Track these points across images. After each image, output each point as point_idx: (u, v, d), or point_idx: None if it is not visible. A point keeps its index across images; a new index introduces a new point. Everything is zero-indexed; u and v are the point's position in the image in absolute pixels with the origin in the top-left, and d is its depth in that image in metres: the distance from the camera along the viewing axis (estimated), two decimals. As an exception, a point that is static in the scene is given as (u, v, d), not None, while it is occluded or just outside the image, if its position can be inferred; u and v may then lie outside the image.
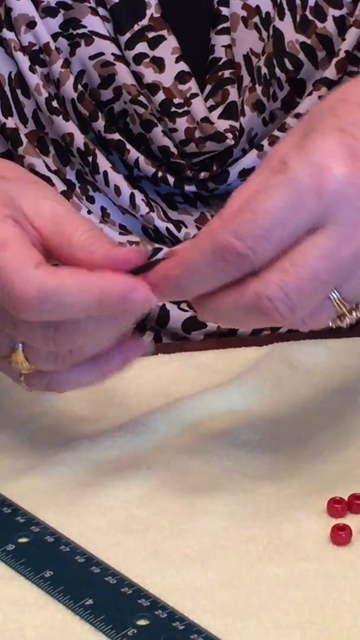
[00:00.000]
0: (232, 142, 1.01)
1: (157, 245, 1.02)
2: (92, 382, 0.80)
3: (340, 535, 0.78)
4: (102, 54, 1.01)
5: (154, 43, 1.01)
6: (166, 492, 0.83)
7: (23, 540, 0.79)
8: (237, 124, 1.02)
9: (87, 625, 0.72)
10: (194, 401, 0.90)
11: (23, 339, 0.78)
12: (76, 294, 0.73)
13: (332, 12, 1.02)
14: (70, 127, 1.01)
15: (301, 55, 1.02)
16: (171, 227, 1.02)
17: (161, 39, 1.01)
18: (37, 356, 0.79)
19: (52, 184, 1.00)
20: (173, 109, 1.01)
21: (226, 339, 1.03)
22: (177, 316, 1.02)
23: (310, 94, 1.03)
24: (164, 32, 1.02)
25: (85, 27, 1.00)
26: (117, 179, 1.02)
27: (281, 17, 1.02)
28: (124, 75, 1.01)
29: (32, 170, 0.99)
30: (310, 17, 1.02)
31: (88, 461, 0.86)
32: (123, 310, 0.75)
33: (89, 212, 1.01)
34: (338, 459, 0.86)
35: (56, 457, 0.86)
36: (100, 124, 1.01)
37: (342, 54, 1.02)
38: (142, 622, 0.72)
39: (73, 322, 0.75)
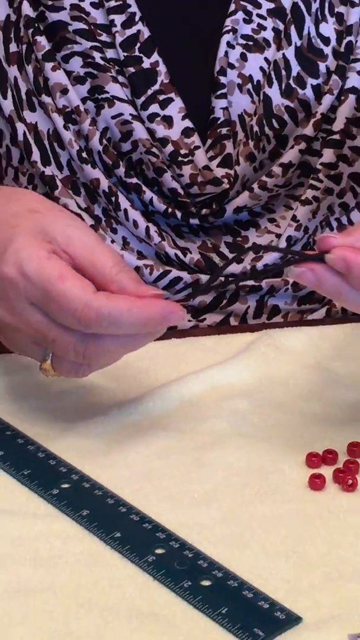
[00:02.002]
0: (228, 186, 1.00)
1: (167, 268, 1.01)
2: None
3: (317, 482, 0.79)
4: (122, 114, 0.99)
5: (164, 104, 1.00)
6: (178, 449, 0.83)
7: (65, 485, 0.79)
8: (232, 172, 1.01)
9: (116, 553, 0.73)
10: (200, 376, 0.91)
11: (58, 353, 0.79)
12: (127, 315, 0.75)
13: (311, 81, 1.01)
14: (97, 173, 1.00)
15: (285, 116, 1.01)
16: (179, 253, 1.01)
17: (170, 100, 1.00)
18: (62, 367, 0.80)
19: (83, 219, 0.99)
20: (180, 158, 1.00)
21: (225, 327, 1.03)
22: (183, 324, 1.01)
23: (292, 147, 1.01)
24: (172, 95, 1.00)
25: (108, 92, 0.99)
26: (135, 214, 1.01)
27: (270, 84, 1.00)
28: (139, 131, 1.00)
29: (66, 208, 0.98)
30: (293, 85, 1.01)
31: (116, 424, 0.86)
32: (162, 327, 0.77)
33: (112, 241, 1.01)
34: (314, 421, 0.86)
35: (91, 421, 0.86)
36: (121, 170, 1.00)
37: (318, 115, 1.01)
38: (159, 551, 0.73)
39: (100, 340, 0.77)
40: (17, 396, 0.89)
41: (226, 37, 1.00)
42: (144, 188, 1.01)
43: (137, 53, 1.00)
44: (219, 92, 1.00)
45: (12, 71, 1.00)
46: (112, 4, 0.99)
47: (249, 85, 1.01)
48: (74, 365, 0.80)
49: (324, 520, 0.76)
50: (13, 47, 1.00)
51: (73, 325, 0.76)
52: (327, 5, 1.01)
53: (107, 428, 0.85)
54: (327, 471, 0.80)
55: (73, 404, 0.89)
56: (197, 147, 1.00)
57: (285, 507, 0.77)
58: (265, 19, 1.01)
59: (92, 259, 0.78)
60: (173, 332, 1.00)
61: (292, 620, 0.67)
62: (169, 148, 1.00)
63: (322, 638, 0.66)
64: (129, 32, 0.99)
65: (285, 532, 0.75)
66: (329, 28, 1.02)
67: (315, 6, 1.01)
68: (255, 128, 1.01)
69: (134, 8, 0.99)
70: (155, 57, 1.00)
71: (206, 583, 0.70)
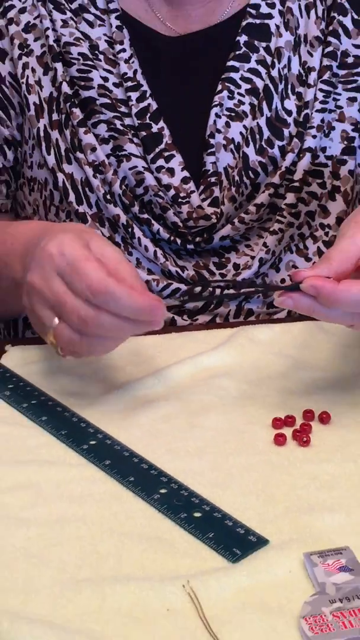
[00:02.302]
0: (215, 221, 1.00)
1: (169, 281, 1.01)
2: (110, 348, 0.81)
3: (280, 440, 0.79)
4: (136, 166, 0.99)
5: (168, 159, 1.00)
6: (176, 414, 0.83)
7: (92, 442, 0.79)
8: (218, 210, 1.00)
9: (130, 492, 0.74)
10: (193, 361, 0.90)
11: (65, 317, 0.77)
12: (126, 297, 0.75)
13: (278, 143, 1.01)
14: (117, 210, 1.00)
15: (259, 169, 1.01)
16: (178, 270, 1.01)
17: (172, 156, 0.99)
18: (63, 336, 0.78)
19: None
20: (180, 200, 1.00)
21: (212, 324, 1.02)
22: (180, 322, 1.02)
23: (263, 192, 1.01)
24: (174, 152, 0.99)
25: (126, 150, 0.99)
26: (145, 241, 1.00)
27: (247, 145, 1.00)
28: (149, 179, 0.99)
29: None
30: (265, 146, 1.00)
31: (129, 396, 0.86)
32: (148, 318, 0.76)
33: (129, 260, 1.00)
34: (278, 394, 0.86)
35: (110, 394, 0.86)
36: (135, 208, 1.00)
37: (283, 168, 1.01)
38: (162, 491, 0.74)
39: (100, 314, 0.76)
40: (55, 377, 0.89)
41: (215, 110, 1.00)
42: (153, 222, 1.00)
43: (147, 121, 1.00)
44: (209, 151, 1.00)
45: (54, 134, 1.00)
46: (129, 84, 0.99)
47: (232, 146, 1.00)
48: (73, 338, 0.78)
49: (285, 467, 0.76)
50: (55, 116, 1.00)
51: (84, 294, 0.75)
52: (289, 86, 1.01)
53: (123, 399, 0.85)
54: (287, 431, 0.80)
55: (97, 382, 0.88)
56: (192, 192, 1.00)
57: (256, 458, 0.77)
58: (243, 96, 1.00)
59: (119, 269, 0.78)
60: (173, 328, 1.00)
61: (262, 542, 0.69)
62: (172, 192, 1.00)
63: (284, 556, 0.67)
64: (142, 105, 1.00)
65: (256, 476, 0.75)
66: (291, 103, 1.01)
67: (280, 87, 1.01)
68: (236, 178, 1.01)
69: (145, 87, 1.00)
70: (161, 124, 1.00)
71: (197, 514, 0.71)
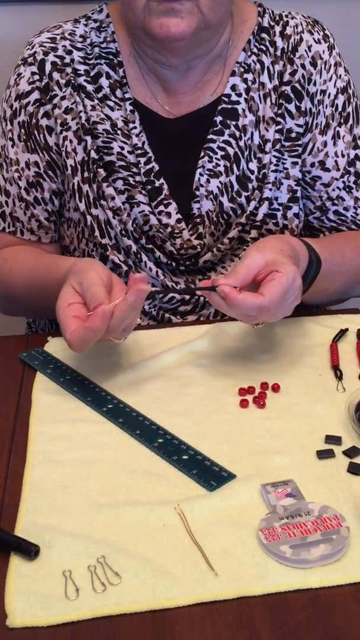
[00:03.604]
0: (200, 250, 0.99)
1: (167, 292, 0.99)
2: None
3: (244, 403, 0.79)
4: (144, 211, 0.98)
5: (166, 205, 0.97)
6: (169, 386, 0.82)
7: (110, 406, 0.78)
8: (202, 242, 0.99)
9: (136, 442, 0.74)
10: (182, 347, 0.89)
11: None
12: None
13: (244, 194, 0.99)
14: (130, 242, 0.98)
15: (231, 213, 0.99)
16: (174, 284, 1.00)
17: (170, 204, 0.98)
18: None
19: (122, 266, 0.98)
20: (174, 235, 0.99)
21: (197, 321, 1.01)
22: (174, 320, 1.00)
23: (234, 229, 1.00)
24: (171, 201, 0.98)
25: (136, 199, 0.98)
26: (150, 264, 0.98)
27: (222, 195, 0.98)
28: (153, 220, 0.97)
29: (114, 263, 0.98)
30: (235, 196, 0.99)
31: (135, 372, 0.84)
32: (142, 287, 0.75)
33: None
34: (242, 371, 0.84)
35: (121, 372, 0.85)
36: (143, 241, 0.99)
37: (248, 212, 0.99)
38: (160, 440, 0.74)
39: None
40: (83, 360, 0.87)
41: (199, 170, 0.99)
42: (155, 250, 0.99)
43: (152, 178, 0.99)
44: (195, 200, 0.99)
45: (85, 187, 0.99)
46: (139, 152, 0.98)
47: (211, 196, 0.99)
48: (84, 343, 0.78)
49: (248, 423, 0.76)
50: (85, 174, 0.99)
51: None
52: (252, 153, 1.00)
53: (131, 375, 0.84)
54: (249, 397, 0.80)
55: (112, 364, 0.87)
56: (183, 229, 0.99)
57: (227, 417, 0.77)
58: (219, 160, 0.99)
59: (114, 283, 0.80)
60: (169, 324, 0.98)
61: (231, 476, 0.69)
62: (169, 229, 0.99)
63: (247, 486, 0.68)
64: (148, 167, 0.99)
65: (227, 429, 0.75)
66: (253, 165, 1.00)
67: (246, 153, 1.00)
68: (214, 219, 1.00)
69: (150, 154, 0.99)
70: (161, 180, 0.99)
71: (185, 457, 0.71)
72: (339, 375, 0.83)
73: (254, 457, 0.71)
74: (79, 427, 0.75)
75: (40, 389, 0.82)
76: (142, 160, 0.99)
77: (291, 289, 0.78)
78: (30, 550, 0.61)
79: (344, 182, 1.02)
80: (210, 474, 0.69)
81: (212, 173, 0.99)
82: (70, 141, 0.99)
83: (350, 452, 0.71)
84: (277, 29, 1.01)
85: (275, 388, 0.81)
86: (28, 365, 0.86)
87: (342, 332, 0.92)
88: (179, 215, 0.99)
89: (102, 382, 0.83)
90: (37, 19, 1.30)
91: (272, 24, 1.02)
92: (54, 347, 0.90)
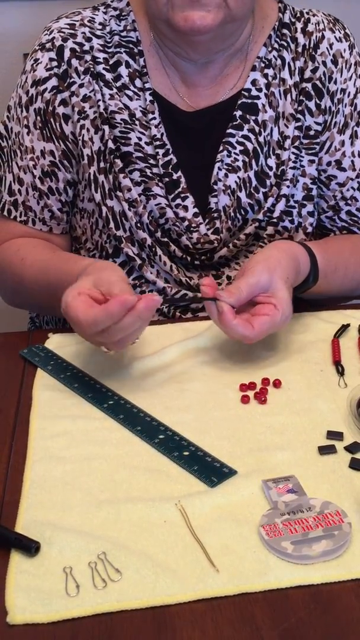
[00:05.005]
0: (216, 245, 0.98)
1: (179, 288, 0.99)
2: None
3: (245, 399, 0.79)
4: (160, 203, 0.96)
5: (184, 199, 0.97)
6: (170, 382, 0.82)
7: (111, 402, 0.78)
8: (219, 237, 0.98)
9: (138, 438, 0.74)
10: (183, 343, 0.89)
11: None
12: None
13: (262, 190, 0.98)
14: (145, 235, 0.97)
15: (248, 208, 0.99)
16: (188, 279, 0.99)
17: (187, 197, 0.97)
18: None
19: (135, 260, 0.98)
20: (191, 229, 0.98)
21: (196, 317, 1.00)
22: (188, 315, 1.00)
23: (250, 225, 0.99)
24: (188, 194, 0.97)
25: (153, 191, 0.97)
26: (164, 258, 0.97)
27: (240, 191, 0.98)
28: (170, 213, 0.97)
29: (128, 255, 0.97)
30: (252, 192, 0.98)
31: (137, 368, 0.84)
32: (150, 305, 0.75)
33: (151, 272, 0.99)
34: (244, 367, 0.84)
35: (123, 368, 0.84)
36: (158, 234, 0.98)
37: (265, 208, 0.98)
38: (161, 436, 0.73)
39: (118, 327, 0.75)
40: (83, 356, 0.88)
41: (217, 164, 0.98)
42: (170, 244, 0.99)
43: (169, 171, 0.98)
44: (213, 194, 0.99)
45: (101, 178, 0.98)
46: (157, 143, 0.97)
47: (229, 191, 0.99)
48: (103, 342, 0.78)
49: (249, 419, 0.76)
50: (102, 165, 0.98)
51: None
52: (271, 149, 1.00)
53: (132, 371, 0.84)
54: (250, 393, 0.80)
55: (113, 359, 0.87)
56: (200, 223, 0.99)
57: (228, 413, 0.77)
58: (238, 155, 0.99)
59: (109, 287, 0.79)
60: (171, 320, 0.98)
61: (232, 472, 0.69)
62: (185, 223, 0.98)
63: (248, 482, 0.67)
64: (166, 159, 0.98)
65: (228, 425, 0.75)
66: (272, 161, 1.00)
67: (265, 149, 0.99)
68: (232, 214, 0.99)
69: (168, 146, 0.98)
70: (179, 173, 0.98)
71: (186, 453, 0.71)
72: (340, 371, 0.83)
73: (255, 453, 0.71)
74: (79, 423, 0.75)
75: (41, 386, 0.81)
76: (161, 152, 0.98)
77: (281, 323, 0.81)
78: (30, 547, 0.61)
79: (358, 182, 1.02)
80: (211, 470, 0.68)
81: (230, 168, 0.99)
82: (88, 130, 0.98)
83: (352, 448, 0.71)
84: (299, 25, 1.01)
85: (277, 384, 0.81)
86: (29, 362, 0.86)
87: (344, 328, 0.92)
88: (195, 209, 0.98)
89: (102, 378, 0.82)
90: (41, 13, 1.30)
91: (293, 20, 1.01)
92: (55, 343, 0.90)
